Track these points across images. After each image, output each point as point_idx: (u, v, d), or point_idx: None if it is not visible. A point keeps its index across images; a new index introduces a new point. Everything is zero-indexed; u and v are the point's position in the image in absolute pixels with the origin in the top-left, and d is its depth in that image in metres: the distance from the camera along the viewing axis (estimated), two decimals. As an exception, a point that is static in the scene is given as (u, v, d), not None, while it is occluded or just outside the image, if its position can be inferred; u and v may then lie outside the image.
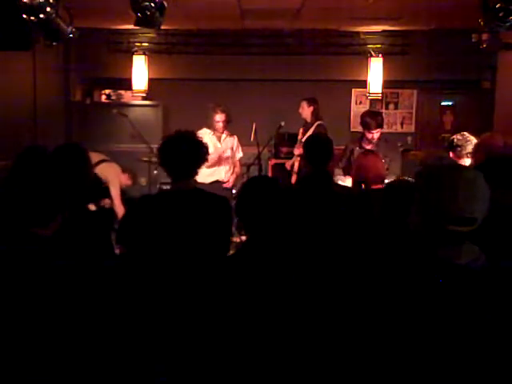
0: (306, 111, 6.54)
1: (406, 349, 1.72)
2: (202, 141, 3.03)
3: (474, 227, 1.71)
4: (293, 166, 6.58)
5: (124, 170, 5.96)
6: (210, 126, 5.64)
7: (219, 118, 5.59)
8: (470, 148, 4.15)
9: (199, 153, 2.99)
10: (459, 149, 4.24)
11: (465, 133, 4.38)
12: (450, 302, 1.70)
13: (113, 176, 5.48)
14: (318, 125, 6.45)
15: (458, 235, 1.71)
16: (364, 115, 5.24)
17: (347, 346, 1.84)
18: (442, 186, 1.71)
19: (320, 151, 3.63)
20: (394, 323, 1.74)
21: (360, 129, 7.23)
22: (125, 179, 5.96)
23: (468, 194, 1.68)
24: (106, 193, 5.52)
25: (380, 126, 5.11)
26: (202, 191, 3.09)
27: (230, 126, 5.86)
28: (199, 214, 2.89)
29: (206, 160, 3.07)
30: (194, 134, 3.05)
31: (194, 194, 3.00)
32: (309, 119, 6.54)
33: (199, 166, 3.02)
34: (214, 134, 5.64)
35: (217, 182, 5.54)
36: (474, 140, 4.19)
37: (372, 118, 5.12)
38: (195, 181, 3.11)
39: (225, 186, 5.72)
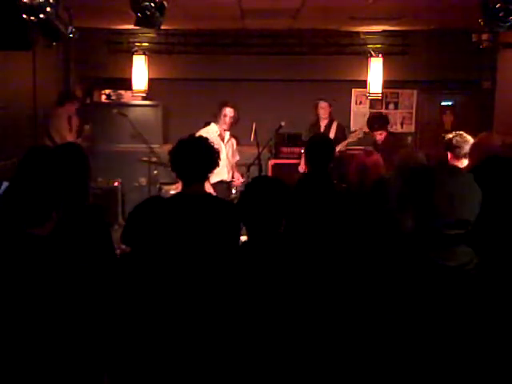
0: (328, 111, 6.75)
1: (396, 344, 1.73)
2: (213, 146, 3.07)
3: (466, 230, 1.72)
4: None
5: None
6: (217, 122, 5.68)
7: (229, 112, 5.62)
8: (467, 148, 4.15)
9: (211, 158, 3.05)
10: (458, 149, 4.24)
11: (462, 132, 4.37)
12: (440, 302, 1.70)
13: None
14: (339, 124, 6.77)
15: (452, 238, 1.72)
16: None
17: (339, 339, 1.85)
18: (438, 191, 1.72)
19: (321, 152, 3.63)
20: (384, 321, 1.75)
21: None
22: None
23: (463, 198, 1.69)
24: None
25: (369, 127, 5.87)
26: (210, 196, 3.14)
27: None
28: (207, 218, 2.92)
29: (218, 165, 3.12)
30: (205, 139, 3.10)
31: (203, 199, 3.04)
32: (326, 119, 6.75)
33: (210, 171, 3.08)
34: (219, 134, 5.67)
35: (220, 182, 5.56)
36: (471, 140, 4.19)
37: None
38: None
39: (235, 184, 5.77)
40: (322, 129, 6.76)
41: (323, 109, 6.73)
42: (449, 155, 4.30)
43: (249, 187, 2.46)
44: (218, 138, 5.58)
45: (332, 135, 6.70)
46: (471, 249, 1.80)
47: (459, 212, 1.70)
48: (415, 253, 1.79)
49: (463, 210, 1.70)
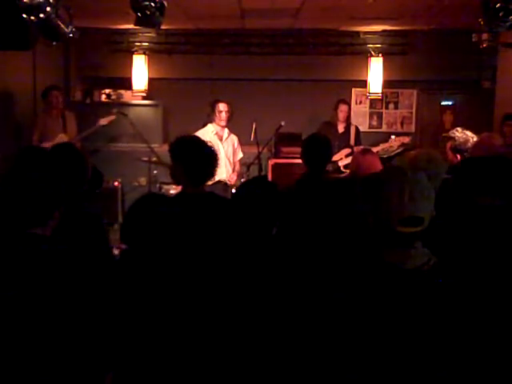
0: (347, 114, 6.83)
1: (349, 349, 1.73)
2: (212, 147, 3.09)
3: (421, 228, 1.72)
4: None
5: None
6: (213, 121, 5.67)
7: (223, 107, 5.63)
8: (459, 138, 4.15)
9: (216, 159, 3.06)
10: (451, 138, 4.23)
11: (465, 130, 4.36)
12: (389, 307, 1.69)
13: None
14: (357, 128, 6.90)
15: (406, 237, 1.72)
16: None
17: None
18: (388, 188, 1.73)
19: (318, 152, 3.63)
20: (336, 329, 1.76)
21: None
22: None
23: (412, 194, 1.70)
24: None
25: None
26: (213, 195, 3.14)
27: (230, 126, 5.87)
28: (209, 217, 2.92)
29: (217, 165, 3.13)
30: (204, 142, 3.12)
31: (206, 198, 3.05)
32: (344, 122, 6.82)
33: (213, 173, 3.10)
34: (216, 133, 5.67)
35: (219, 182, 5.55)
36: (461, 130, 4.19)
37: None
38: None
39: (229, 183, 5.77)
40: (340, 131, 6.77)
41: (342, 112, 6.75)
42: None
43: (238, 190, 2.49)
44: (215, 137, 5.57)
45: (352, 140, 6.71)
46: (428, 250, 1.79)
47: (411, 208, 1.71)
48: (371, 254, 1.79)
49: (415, 206, 1.71)
